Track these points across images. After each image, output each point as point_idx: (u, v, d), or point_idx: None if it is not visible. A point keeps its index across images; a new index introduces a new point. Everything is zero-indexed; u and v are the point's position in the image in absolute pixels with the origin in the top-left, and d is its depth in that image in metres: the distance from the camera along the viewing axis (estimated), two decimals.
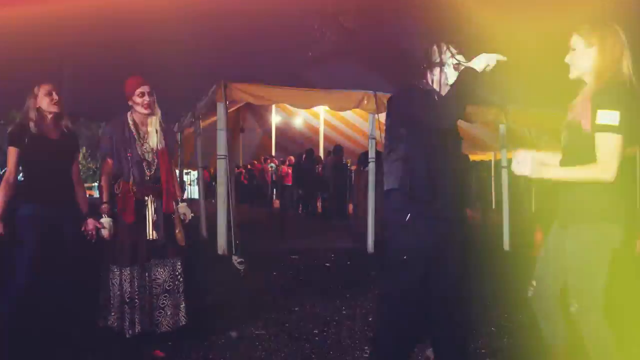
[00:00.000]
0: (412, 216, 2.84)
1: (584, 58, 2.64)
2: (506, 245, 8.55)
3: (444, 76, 2.93)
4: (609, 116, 2.45)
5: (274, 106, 15.98)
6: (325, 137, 16.48)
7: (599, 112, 2.47)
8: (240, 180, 21.54)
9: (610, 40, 2.57)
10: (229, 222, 7.13)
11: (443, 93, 2.92)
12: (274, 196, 18.73)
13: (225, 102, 7.13)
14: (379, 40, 11.48)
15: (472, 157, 17.86)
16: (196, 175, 15.21)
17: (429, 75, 2.98)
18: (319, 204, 14.94)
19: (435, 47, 2.96)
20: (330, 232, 10.67)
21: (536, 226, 8.10)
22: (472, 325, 4.13)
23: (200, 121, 9.53)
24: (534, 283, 2.94)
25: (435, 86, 2.95)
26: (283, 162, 17.16)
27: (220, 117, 7.23)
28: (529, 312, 4.70)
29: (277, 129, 19.00)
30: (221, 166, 7.26)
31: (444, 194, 2.87)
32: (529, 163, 2.58)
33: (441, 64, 2.92)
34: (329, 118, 15.71)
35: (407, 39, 10.97)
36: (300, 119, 17.96)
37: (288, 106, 13.49)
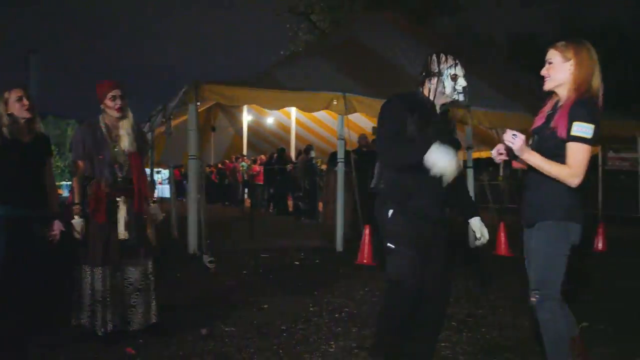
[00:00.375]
0: (392, 213, 3.05)
1: (561, 71, 2.86)
2: (471, 243, 8.77)
3: (441, 85, 3.04)
4: (584, 129, 2.70)
5: (245, 105, 16.00)
6: (297, 136, 16.58)
7: (575, 123, 2.71)
8: (211, 179, 21.53)
9: (585, 55, 2.82)
10: (199, 221, 7.21)
11: (438, 102, 3.08)
12: (246, 195, 18.78)
13: (196, 103, 7.19)
14: (352, 41, 11.61)
15: None
16: (167, 174, 15.23)
17: (427, 83, 3.10)
18: (290, 203, 15.05)
19: (434, 57, 3.10)
20: (300, 231, 10.82)
21: (500, 225, 8.37)
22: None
23: (172, 121, 9.54)
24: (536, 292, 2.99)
25: (432, 95, 3.08)
26: (254, 161, 17.21)
27: (191, 117, 7.30)
28: (489, 308, 4.97)
29: (248, 128, 19.01)
30: (192, 166, 7.33)
31: (424, 193, 3.04)
32: (519, 143, 2.72)
33: (439, 74, 3.05)
34: (301, 117, 15.80)
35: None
36: (272, 118, 18.00)
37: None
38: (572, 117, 2.73)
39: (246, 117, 18.16)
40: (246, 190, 18.66)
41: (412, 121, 2.98)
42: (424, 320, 3.20)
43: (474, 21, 27.96)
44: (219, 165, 20.86)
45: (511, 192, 17.54)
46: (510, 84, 11.32)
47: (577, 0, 26.51)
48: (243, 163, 18.41)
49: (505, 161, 3.12)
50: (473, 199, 8.36)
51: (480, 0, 26.72)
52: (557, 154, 2.78)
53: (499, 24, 38.34)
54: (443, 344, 3.95)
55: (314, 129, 16.52)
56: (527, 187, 2.99)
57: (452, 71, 3.04)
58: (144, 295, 3.99)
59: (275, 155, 14.55)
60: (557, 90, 2.91)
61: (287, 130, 17.09)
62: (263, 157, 17.40)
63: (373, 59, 10.36)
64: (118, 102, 3.88)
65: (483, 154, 17.33)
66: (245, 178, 17.85)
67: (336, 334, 4.18)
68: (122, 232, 3.86)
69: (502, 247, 8.06)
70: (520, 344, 3.99)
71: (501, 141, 2.93)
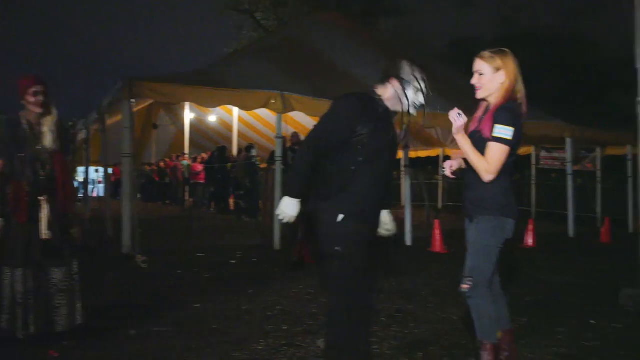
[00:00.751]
0: (343, 218, 3.01)
1: (492, 81, 3.04)
2: (408, 241, 8.95)
3: (403, 93, 3.06)
4: (505, 131, 2.92)
5: (187, 102, 15.80)
6: (240, 134, 16.49)
7: (497, 126, 2.93)
8: (152, 178, 21.15)
9: (511, 64, 3.02)
10: (134, 220, 7.08)
11: (394, 108, 3.11)
12: (187, 194, 18.54)
13: (130, 100, 7.06)
14: (293, 40, 11.62)
15: None
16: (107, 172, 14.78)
17: (389, 86, 3.11)
18: (231, 202, 14.95)
19: (407, 64, 3.12)
20: (240, 230, 10.76)
21: (435, 222, 8.57)
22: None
23: (107, 117, 9.34)
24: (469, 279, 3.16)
25: (390, 99, 3.09)
26: (195, 160, 17.00)
27: (125, 115, 7.15)
28: (420, 303, 5.09)
29: (191, 125, 18.77)
30: (126, 165, 7.19)
31: (369, 198, 3.07)
32: (461, 122, 2.95)
33: (406, 82, 3.07)
34: (244, 115, 15.71)
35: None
36: (214, 115, 17.83)
37: None
38: (496, 120, 2.95)
39: (188, 115, 17.93)
40: (188, 189, 18.43)
41: (363, 125, 2.98)
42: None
43: (416, 24, 28.52)
44: (160, 164, 20.49)
45: (450, 190, 17.99)
46: (448, 86, 11.57)
47: (512, 5, 27.41)
48: (184, 161, 18.17)
49: (444, 161, 3.28)
50: (409, 196, 8.56)
51: (422, 4, 27.26)
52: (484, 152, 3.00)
53: (440, 27, 39.22)
54: (370, 340, 4.02)
55: (257, 127, 16.48)
56: (467, 186, 3.18)
57: (419, 84, 3.09)
58: (68, 296, 3.89)
59: (216, 153, 14.40)
60: (488, 98, 3.09)
61: (229, 128, 16.97)
62: (204, 155, 17.20)
63: (314, 59, 10.41)
64: (40, 97, 3.78)
65: (422, 153, 17.74)
66: (187, 177, 17.62)
67: (266, 332, 4.19)
68: (44, 232, 3.76)
69: (437, 244, 8.24)
70: (446, 338, 4.10)
71: (439, 140, 3.07)
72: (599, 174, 13.87)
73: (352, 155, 2.99)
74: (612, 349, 3.89)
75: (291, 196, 3.00)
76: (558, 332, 4.25)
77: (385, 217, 3.33)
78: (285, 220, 3.01)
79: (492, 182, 3.00)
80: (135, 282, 5.85)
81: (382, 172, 3.10)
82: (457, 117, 2.95)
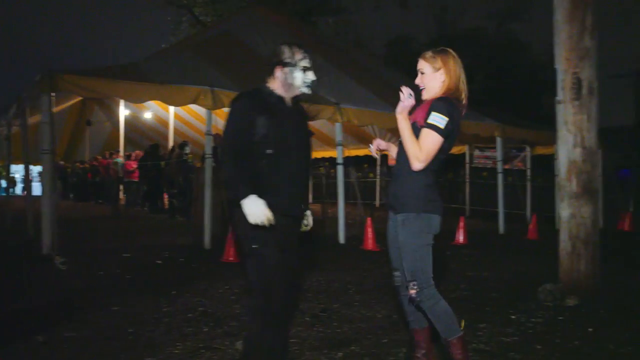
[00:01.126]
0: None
1: (433, 80, 3.07)
2: (342, 239, 8.94)
3: (291, 77, 3.05)
4: (439, 119, 2.93)
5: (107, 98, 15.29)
6: (176, 131, 16.14)
7: (432, 113, 2.94)
8: (85, 176, 20.45)
9: (451, 63, 3.05)
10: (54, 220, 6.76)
11: (287, 94, 3.09)
12: (121, 192, 18.02)
13: (50, 94, 6.73)
14: (227, 36, 11.42)
15: (322, 154, 18.47)
16: (39, 169, 14.18)
17: (277, 74, 3.07)
18: (166, 201, 14.60)
19: (286, 48, 3.08)
20: (172, 229, 10.50)
21: (368, 221, 8.58)
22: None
23: (31, 112, 8.87)
24: (397, 273, 3.21)
25: (281, 86, 3.07)
26: (129, 157, 16.52)
27: (45, 109, 6.81)
28: (346, 301, 5.05)
29: (126, 122, 18.25)
30: (45, 162, 6.84)
31: (284, 190, 3.01)
32: (407, 104, 2.99)
33: (291, 65, 3.05)
34: (179, 111, 15.36)
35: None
36: (150, 112, 17.39)
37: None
38: (431, 109, 2.96)
39: (123, 111, 17.41)
40: (121, 187, 17.90)
41: (262, 119, 2.96)
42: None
43: (356, 23, 28.72)
44: (93, 162, 19.83)
45: (387, 189, 18.14)
46: (383, 84, 11.66)
47: (447, 7, 28.03)
48: (118, 159, 17.63)
49: (382, 158, 3.26)
50: (342, 194, 8.53)
51: (361, 3, 27.45)
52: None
53: (379, 27, 39.78)
54: (292, 340, 3.94)
55: (194, 123, 16.14)
56: (393, 179, 3.18)
57: (303, 63, 3.07)
58: None
59: (149, 151, 14.02)
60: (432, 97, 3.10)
61: (165, 124, 16.58)
62: (138, 152, 16.74)
63: (247, 54, 10.26)
64: None
65: (359, 152, 17.81)
66: (121, 175, 17.10)
67: (185, 335, 4.05)
68: None
69: (369, 242, 8.26)
70: (369, 337, 4.06)
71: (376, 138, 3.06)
72: (528, 172, 14.28)
73: (258, 150, 2.97)
74: (530, 344, 3.95)
75: (244, 197, 2.88)
76: (479, 329, 4.29)
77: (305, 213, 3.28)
78: (260, 222, 2.85)
79: (416, 179, 3.00)
80: (51, 285, 5.57)
81: (293, 161, 3.05)
82: (406, 98, 3.00)
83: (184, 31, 26.62)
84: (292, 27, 13.28)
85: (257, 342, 3.04)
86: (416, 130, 3.00)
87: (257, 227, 2.89)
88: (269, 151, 2.96)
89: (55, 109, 14.05)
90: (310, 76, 3.10)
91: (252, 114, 2.98)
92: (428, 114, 2.95)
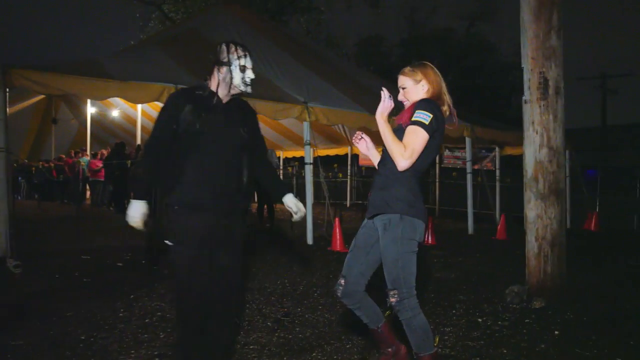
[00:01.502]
0: (174, 208, 2.94)
1: (415, 93, 3.05)
2: (309, 240, 8.80)
3: (229, 76, 2.99)
4: (423, 115, 2.88)
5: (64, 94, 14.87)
6: (144, 129, 15.80)
7: (417, 111, 2.91)
8: (51, 175, 19.96)
9: (431, 74, 3.05)
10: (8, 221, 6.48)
11: (224, 92, 3.03)
12: (87, 192, 17.63)
13: (5, 90, 6.44)
14: (194, 33, 11.21)
15: (292, 153, 18.35)
16: None
17: (215, 73, 3.01)
18: None
19: (224, 47, 3.02)
20: (138, 231, 10.19)
21: (336, 221, 8.47)
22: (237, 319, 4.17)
23: None
24: (342, 281, 3.12)
25: (219, 85, 3.01)
26: (95, 156, 16.15)
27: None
28: (311, 305, 4.91)
29: (93, 120, 17.85)
30: (0, 160, 6.54)
31: (205, 185, 2.92)
32: (386, 105, 2.98)
33: (228, 64, 2.98)
34: (147, 109, 15.04)
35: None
36: (117, 110, 17.03)
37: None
38: (416, 107, 2.93)
39: (90, 109, 17.03)
40: (87, 187, 17.50)
41: (189, 115, 2.93)
42: (215, 320, 3.08)
43: (328, 22, 28.63)
44: (58, 161, 19.35)
45: (358, 189, 18.12)
46: (352, 84, 11.57)
47: (417, 8, 28.16)
48: (84, 158, 17.24)
49: (353, 159, 3.20)
50: (311, 194, 8.40)
51: (333, 3, 27.37)
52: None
53: (349, 26, 39.84)
54: (251, 347, 3.80)
55: None
56: (375, 186, 3.07)
57: (241, 62, 3.01)
58: None
59: (114, 150, 13.70)
60: None
61: (133, 122, 16.25)
62: (104, 151, 16.38)
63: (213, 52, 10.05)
64: None
65: (329, 151, 17.75)
66: (87, 174, 16.71)
67: (140, 342, 3.88)
68: None
69: (338, 243, 8.14)
70: (332, 342, 3.94)
71: (350, 138, 3.02)
72: (497, 172, 14.36)
73: (183, 146, 2.94)
74: (495, 348, 3.87)
75: (134, 198, 2.95)
76: (445, 332, 4.21)
77: (289, 200, 3.25)
78: (131, 223, 2.92)
79: (401, 183, 2.93)
80: (1, 290, 5.33)
81: (223, 157, 2.99)
82: (387, 99, 2.97)
83: (153, 28, 26.18)
84: (260, 24, 13.10)
85: (176, 347, 3.04)
86: (402, 132, 2.95)
87: (176, 222, 2.91)
88: (189, 148, 2.94)
89: (19, 106, 13.77)
90: (250, 75, 3.05)
91: (181, 110, 2.94)
92: (413, 114, 2.92)
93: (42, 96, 13.49)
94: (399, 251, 2.92)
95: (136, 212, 2.92)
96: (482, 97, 24.26)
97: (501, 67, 24.89)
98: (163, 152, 2.96)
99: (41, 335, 3.98)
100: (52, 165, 19.94)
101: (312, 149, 9.25)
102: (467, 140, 11.42)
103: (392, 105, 2.99)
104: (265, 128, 15.20)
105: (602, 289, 5.90)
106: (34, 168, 21.60)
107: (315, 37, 26.50)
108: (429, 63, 3.10)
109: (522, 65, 5.22)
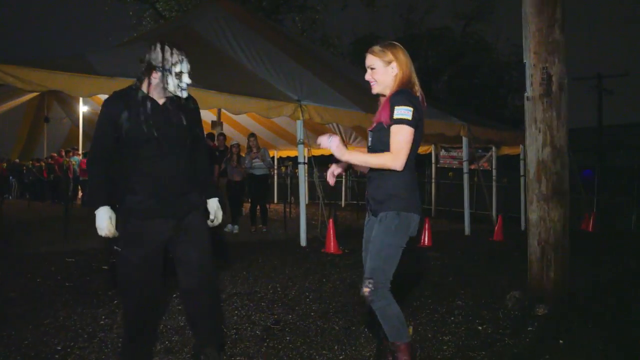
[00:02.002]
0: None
1: (385, 74, 2.96)
2: (303, 241, 8.57)
3: (165, 82, 2.90)
4: (404, 111, 2.80)
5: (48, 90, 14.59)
6: None
7: (396, 108, 2.81)
8: (42, 174, 19.71)
9: (402, 55, 2.95)
10: None
11: (158, 96, 2.94)
12: (79, 192, 17.36)
13: None
14: (184, 29, 10.97)
15: (287, 153, 18.11)
16: None
17: (150, 76, 2.91)
18: None
19: (159, 50, 2.89)
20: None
21: (330, 222, 8.24)
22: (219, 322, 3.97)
23: None
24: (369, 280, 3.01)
25: (151, 89, 2.92)
26: (85, 155, 15.87)
27: None
28: (303, 312, 4.67)
29: (85, 118, 17.57)
30: None
31: (144, 187, 2.88)
32: (335, 143, 2.88)
33: (163, 70, 2.88)
34: None
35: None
36: None
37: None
38: (393, 104, 2.83)
39: (82, 107, 16.76)
40: (79, 186, 17.24)
41: (125, 119, 2.85)
42: (196, 323, 3.14)
43: (324, 21, 28.45)
44: (49, 160, 19.08)
45: (352, 189, 17.90)
46: (347, 82, 11.35)
47: (414, 7, 27.99)
48: (75, 157, 16.98)
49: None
50: (304, 194, 8.18)
51: (328, 2, 27.15)
52: (388, 143, 2.88)
53: (345, 25, 39.75)
54: (238, 358, 3.57)
55: None
56: (370, 181, 3.04)
57: (177, 69, 2.90)
58: None
59: None
60: (385, 92, 3.00)
61: None
62: None
63: (204, 49, 9.84)
64: None
65: (324, 151, 17.50)
66: (78, 174, 16.44)
67: (120, 352, 3.63)
68: None
69: (331, 245, 7.91)
70: (323, 353, 3.71)
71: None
72: (494, 172, 14.18)
73: (124, 152, 2.90)
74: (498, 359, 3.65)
75: (96, 207, 2.89)
76: (444, 342, 3.98)
77: (211, 206, 3.24)
78: (103, 234, 2.88)
79: (395, 177, 2.89)
80: None
81: (162, 163, 2.90)
82: (329, 142, 2.90)
83: (147, 26, 25.91)
84: (253, 21, 12.86)
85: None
86: (383, 130, 2.90)
87: (123, 229, 2.90)
88: (129, 151, 2.89)
89: (10, 105, 13.48)
90: (186, 80, 2.95)
91: (117, 116, 2.87)
92: (392, 111, 2.83)
93: (34, 94, 13.22)
94: (387, 242, 2.91)
95: (103, 221, 2.86)
96: (478, 97, 24.08)
97: (498, 67, 24.73)
98: (107, 159, 2.91)
99: (14, 345, 3.73)
100: (43, 164, 19.68)
101: (305, 149, 9.05)
102: (464, 139, 11.24)
103: (337, 139, 2.89)
104: (259, 127, 14.98)
105: (605, 292, 5.69)
106: (24, 167, 21.33)
107: (310, 36, 26.27)
108: (398, 44, 3.00)
109: (524, 60, 4.99)
